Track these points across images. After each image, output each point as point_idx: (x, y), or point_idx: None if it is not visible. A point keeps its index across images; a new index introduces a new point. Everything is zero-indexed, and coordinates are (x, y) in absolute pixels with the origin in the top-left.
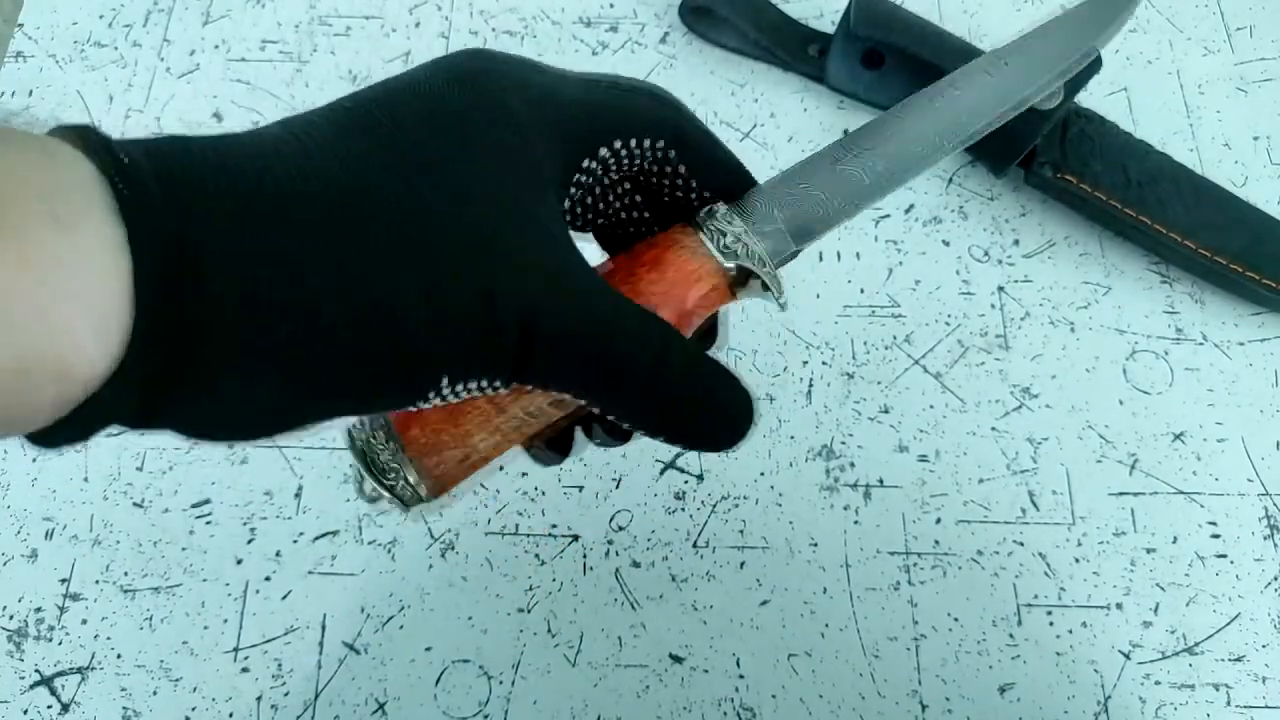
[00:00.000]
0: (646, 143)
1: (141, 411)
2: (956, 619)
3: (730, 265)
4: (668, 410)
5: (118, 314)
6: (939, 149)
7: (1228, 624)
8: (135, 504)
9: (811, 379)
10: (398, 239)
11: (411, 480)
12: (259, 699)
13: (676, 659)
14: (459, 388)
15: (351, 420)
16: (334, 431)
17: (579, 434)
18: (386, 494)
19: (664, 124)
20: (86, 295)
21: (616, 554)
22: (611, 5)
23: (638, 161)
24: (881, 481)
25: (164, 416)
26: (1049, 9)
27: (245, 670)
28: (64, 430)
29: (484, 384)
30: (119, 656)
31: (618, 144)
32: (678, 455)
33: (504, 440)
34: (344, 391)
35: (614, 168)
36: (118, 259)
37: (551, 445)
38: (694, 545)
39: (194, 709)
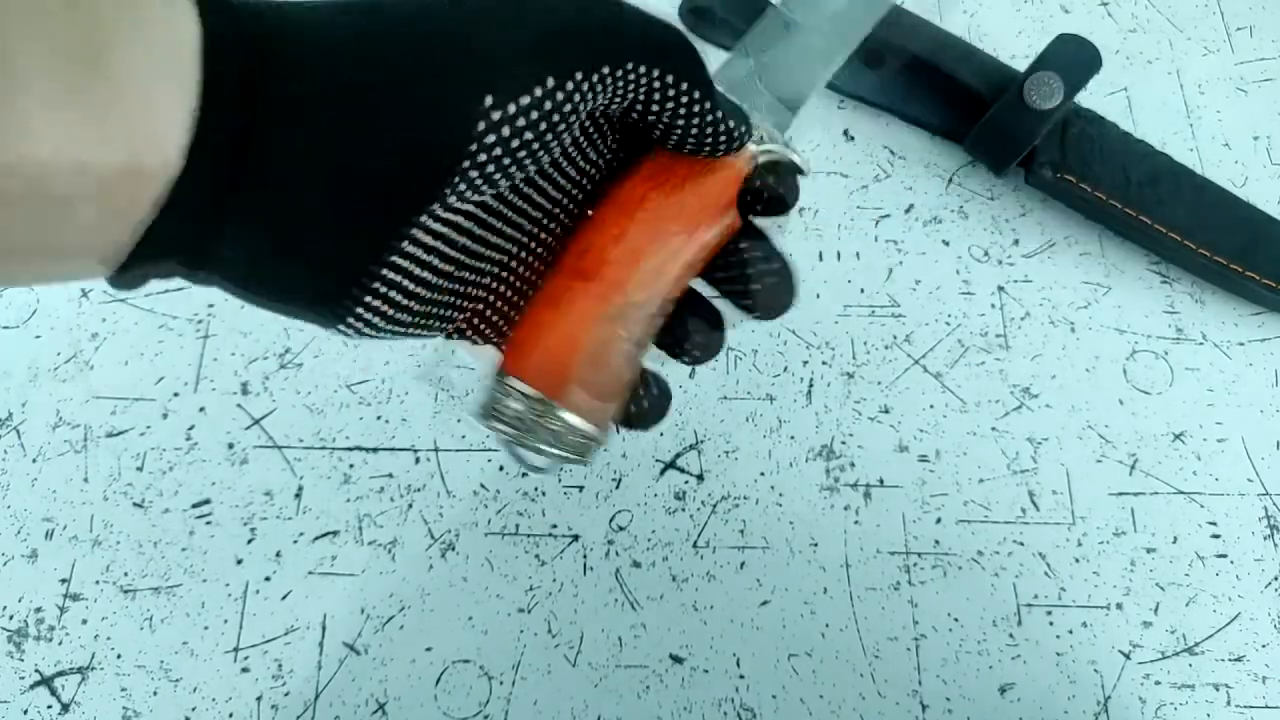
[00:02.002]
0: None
1: (206, 219)
2: (957, 619)
3: (759, 149)
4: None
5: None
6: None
7: (1228, 624)
8: (135, 504)
9: (811, 379)
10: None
11: (577, 429)
12: (259, 699)
13: (677, 659)
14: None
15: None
16: (333, 432)
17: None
18: (559, 453)
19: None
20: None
21: (617, 554)
22: None
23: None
24: (882, 481)
25: (225, 237)
26: (1048, 10)
27: (245, 670)
28: (137, 257)
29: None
30: (119, 657)
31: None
32: (678, 455)
33: (622, 351)
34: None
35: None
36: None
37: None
38: (694, 545)
39: (194, 709)
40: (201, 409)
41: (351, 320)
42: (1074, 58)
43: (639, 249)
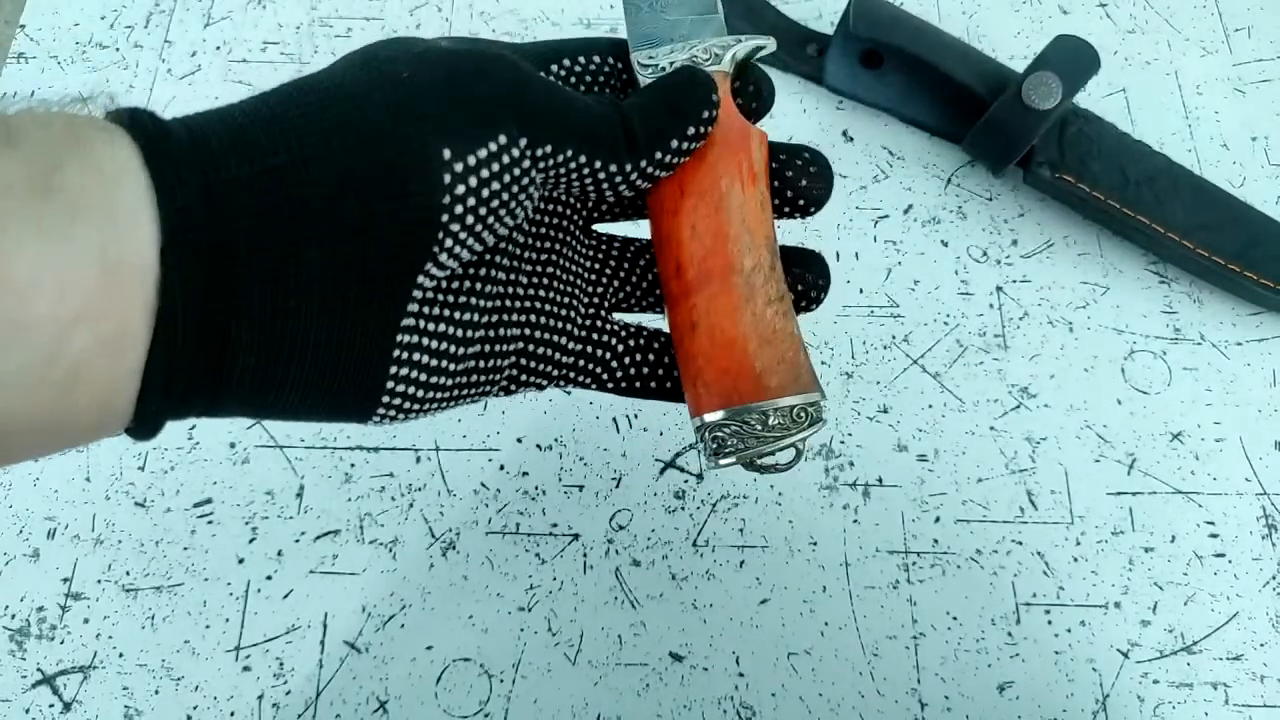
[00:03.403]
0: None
1: (204, 332)
2: (955, 618)
3: (725, 67)
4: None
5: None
6: None
7: (1225, 623)
8: (137, 503)
9: None
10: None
11: (793, 404)
12: (260, 698)
13: (676, 657)
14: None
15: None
16: (334, 431)
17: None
18: (800, 435)
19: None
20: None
21: (617, 553)
22: (611, 6)
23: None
24: (881, 481)
25: (228, 349)
26: (1047, 10)
27: (247, 669)
28: (149, 393)
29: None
30: (121, 655)
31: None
32: (678, 455)
33: (775, 316)
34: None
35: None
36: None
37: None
38: (694, 544)
39: (195, 708)
40: None
41: (381, 410)
42: (1072, 58)
43: (715, 226)
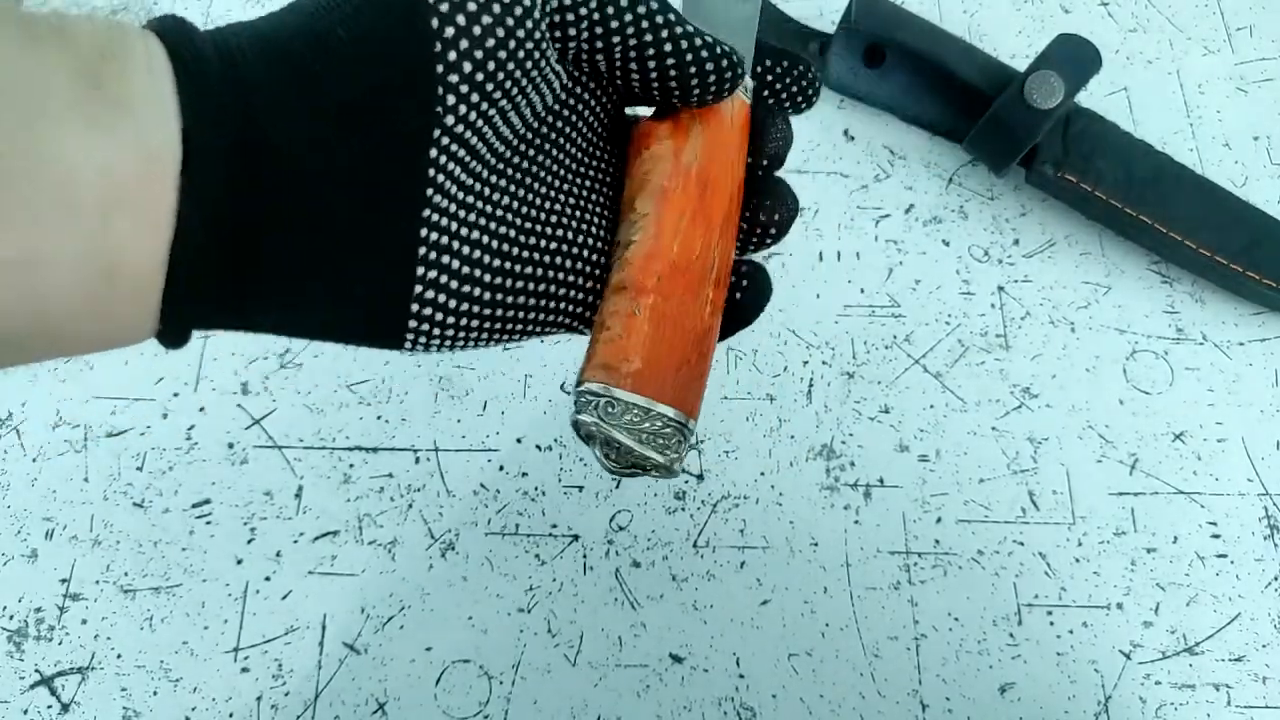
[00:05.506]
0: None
1: (228, 230)
2: (957, 619)
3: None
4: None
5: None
6: None
7: (1228, 624)
8: (135, 504)
9: (811, 379)
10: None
11: (674, 420)
12: (259, 699)
13: (677, 659)
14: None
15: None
16: (333, 432)
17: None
18: (658, 456)
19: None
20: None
21: (617, 554)
22: None
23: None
24: (882, 481)
25: (256, 276)
26: (1049, 9)
27: (245, 670)
28: (176, 280)
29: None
30: (119, 656)
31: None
32: None
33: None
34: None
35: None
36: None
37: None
38: (694, 545)
39: (194, 709)
40: (201, 409)
41: (414, 324)
42: (1074, 57)
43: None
